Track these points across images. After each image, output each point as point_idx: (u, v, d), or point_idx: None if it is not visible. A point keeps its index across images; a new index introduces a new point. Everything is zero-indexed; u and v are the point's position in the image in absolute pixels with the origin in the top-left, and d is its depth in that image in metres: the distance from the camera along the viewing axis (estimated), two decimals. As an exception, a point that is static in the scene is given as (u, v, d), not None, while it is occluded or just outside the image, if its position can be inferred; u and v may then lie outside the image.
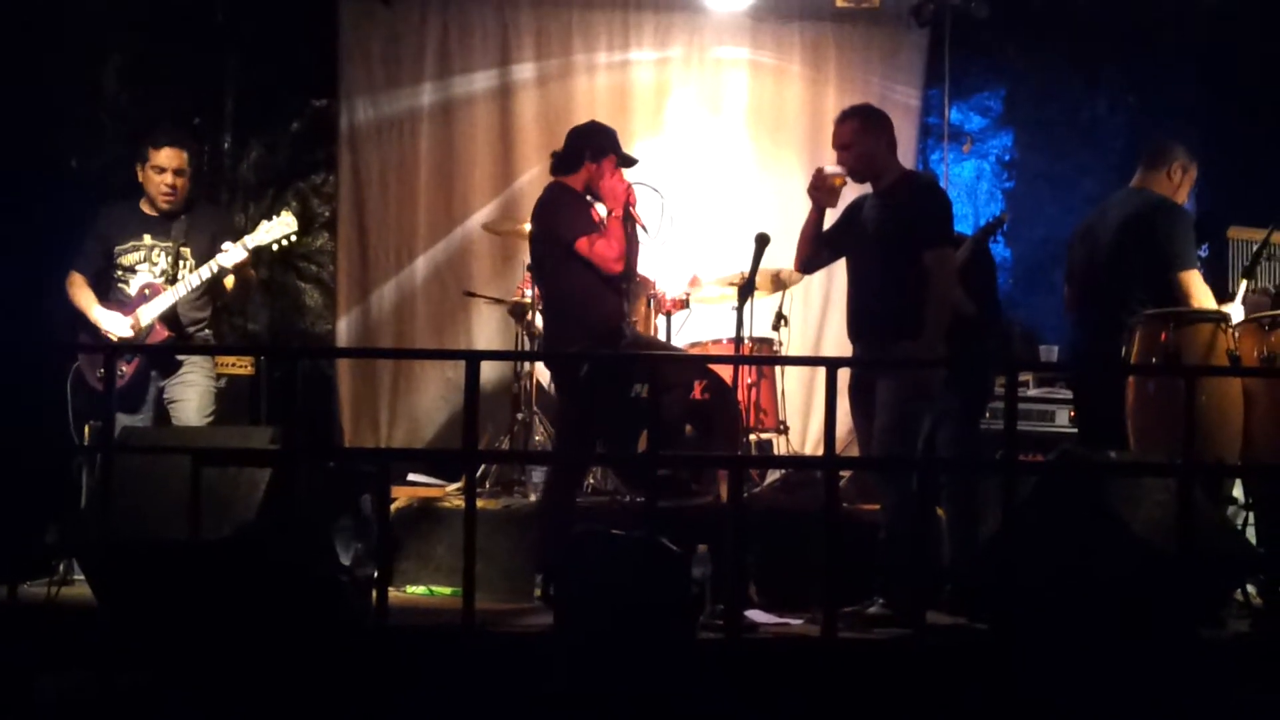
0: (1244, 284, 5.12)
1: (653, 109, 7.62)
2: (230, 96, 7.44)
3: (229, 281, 5.51)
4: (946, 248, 4.90)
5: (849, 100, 7.56)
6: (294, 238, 5.58)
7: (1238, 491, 4.91)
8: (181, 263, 5.49)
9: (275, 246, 5.54)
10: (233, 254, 5.37)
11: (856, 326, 5.03)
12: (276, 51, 7.40)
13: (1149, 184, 5.24)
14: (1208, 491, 4.41)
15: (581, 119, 5.81)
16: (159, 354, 5.47)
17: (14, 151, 5.99)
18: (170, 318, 5.44)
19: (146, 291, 5.43)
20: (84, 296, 5.44)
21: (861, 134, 4.99)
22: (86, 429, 5.36)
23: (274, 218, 5.55)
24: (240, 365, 6.30)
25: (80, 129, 6.63)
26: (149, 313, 5.39)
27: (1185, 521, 3.71)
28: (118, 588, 4.18)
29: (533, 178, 7.01)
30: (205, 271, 5.39)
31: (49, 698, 3.76)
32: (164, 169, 5.47)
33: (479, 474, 6.15)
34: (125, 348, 5.34)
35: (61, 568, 4.90)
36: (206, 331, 5.64)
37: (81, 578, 4.57)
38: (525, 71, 7.51)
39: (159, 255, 5.50)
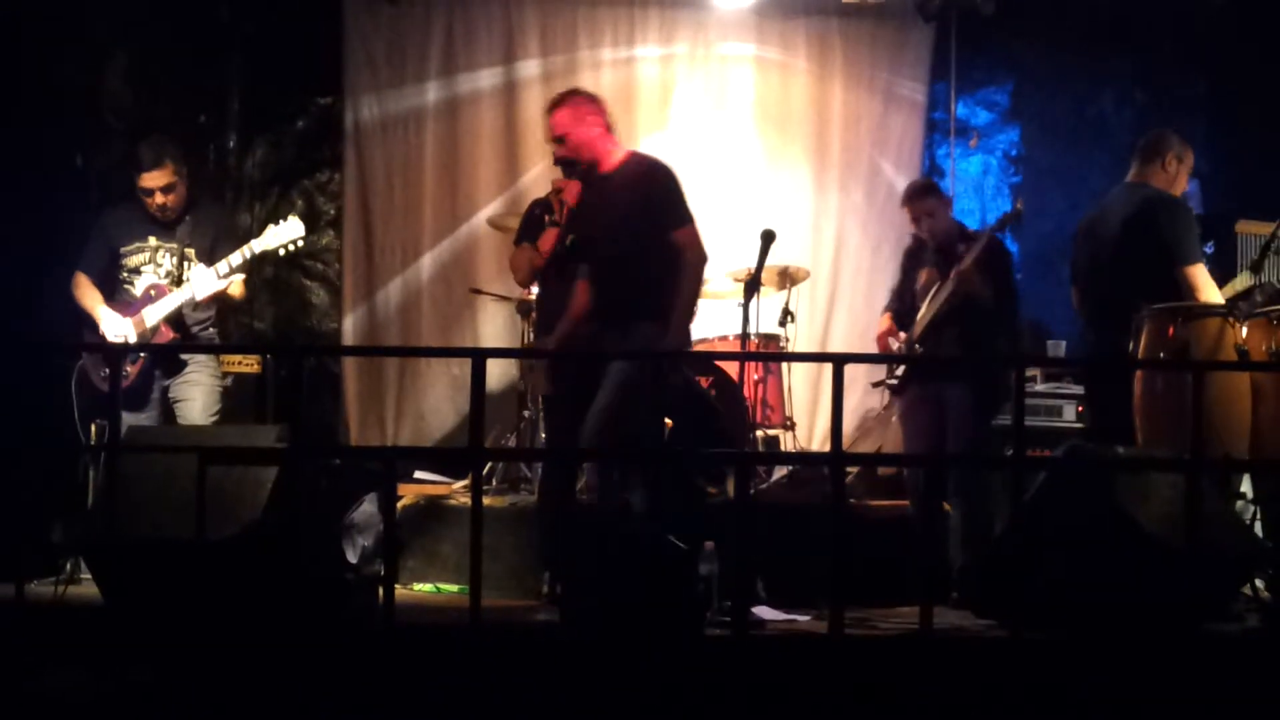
0: (1244, 275, 5.13)
1: (658, 105, 7.62)
2: (235, 95, 7.45)
3: (234, 289, 5.51)
4: (693, 225, 4.91)
5: (855, 96, 7.63)
6: (300, 243, 5.59)
7: (1246, 486, 4.89)
8: (186, 264, 5.51)
9: (282, 251, 5.56)
10: (205, 283, 5.38)
11: (597, 309, 4.95)
12: (281, 50, 7.41)
13: (1145, 177, 5.25)
14: (1216, 486, 4.40)
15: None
16: (164, 354, 5.48)
17: (18, 150, 5.99)
18: (175, 319, 5.45)
19: (152, 293, 5.44)
20: (89, 297, 5.46)
21: (574, 122, 4.96)
22: (93, 428, 5.37)
23: (280, 222, 5.57)
24: (246, 364, 6.31)
25: (85, 128, 6.63)
26: (154, 314, 5.40)
27: (1193, 516, 3.71)
28: (124, 586, 4.19)
29: (538, 175, 7.01)
30: (184, 294, 5.39)
31: (55, 696, 3.76)
32: (151, 190, 5.48)
33: (485, 471, 6.15)
34: (131, 347, 5.35)
35: (68, 566, 4.91)
36: (211, 330, 5.65)
37: (88, 576, 4.58)
38: (530, 68, 7.51)
39: (164, 256, 5.52)
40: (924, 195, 5.54)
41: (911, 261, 5.72)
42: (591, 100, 5.04)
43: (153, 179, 5.46)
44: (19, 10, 6.15)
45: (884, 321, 5.74)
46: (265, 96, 7.48)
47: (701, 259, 4.90)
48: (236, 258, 5.43)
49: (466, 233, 7.45)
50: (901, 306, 5.63)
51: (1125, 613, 4.00)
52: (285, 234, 5.52)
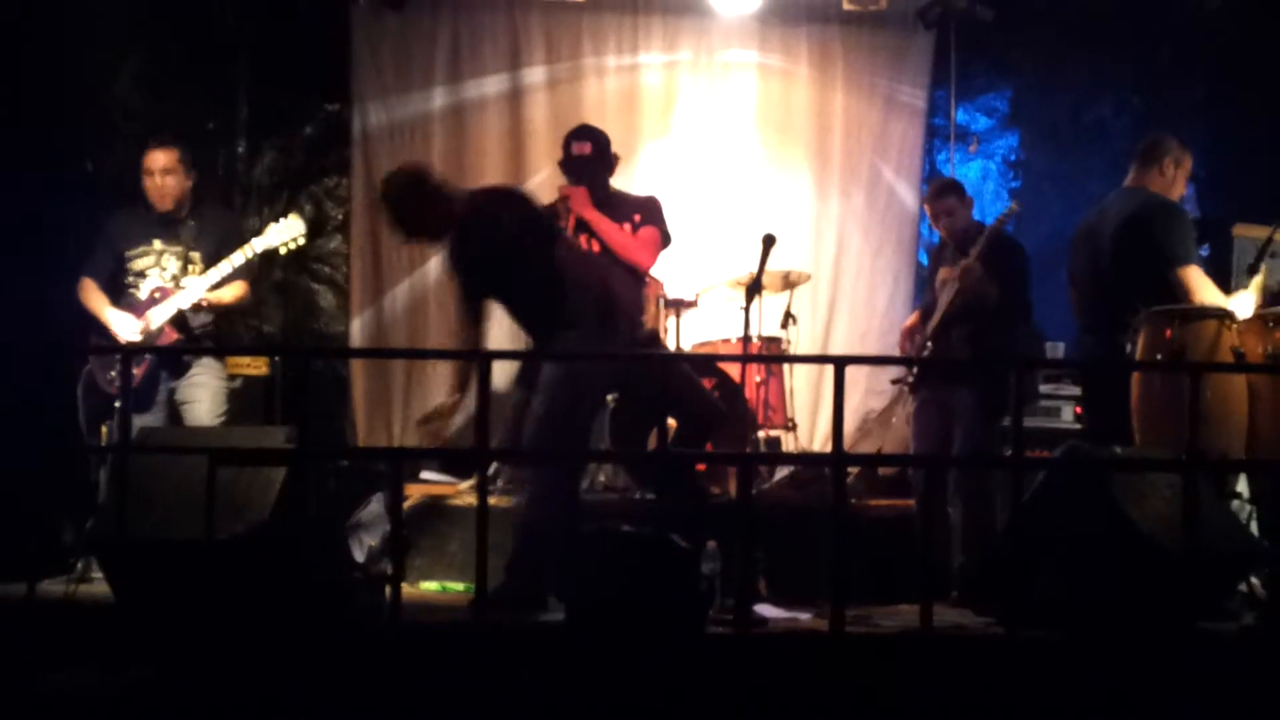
0: (1254, 280, 5.14)
1: (661, 111, 7.66)
2: (243, 101, 7.49)
3: (225, 295, 5.57)
4: (565, 239, 5.06)
5: (856, 102, 7.68)
6: (301, 240, 5.63)
7: (1242, 486, 4.93)
8: (190, 266, 5.55)
9: (283, 250, 5.61)
10: (192, 292, 5.45)
11: (526, 330, 5.06)
12: (289, 56, 7.45)
13: (1144, 182, 5.28)
14: (1212, 486, 4.44)
15: (591, 121, 5.86)
16: (171, 355, 5.53)
17: (29, 155, 6.04)
18: (179, 321, 5.50)
19: (156, 295, 5.48)
20: (96, 300, 5.51)
21: (414, 201, 4.89)
22: (103, 430, 5.42)
23: (281, 220, 5.62)
24: (255, 366, 6.35)
25: (94, 133, 6.68)
26: (158, 316, 5.45)
27: (1190, 516, 3.75)
28: (135, 586, 4.23)
29: (543, 180, 7.05)
30: (178, 300, 5.45)
31: (66, 694, 3.80)
32: (152, 171, 5.54)
33: (491, 472, 6.18)
34: (139, 349, 5.40)
35: (80, 566, 4.96)
36: (212, 328, 5.67)
37: (99, 576, 4.62)
38: (535, 75, 7.55)
39: (169, 259, 5.56)
40: (943, 194, 5.55)
41: (937, 259, 5.77)
42: (417, 171, 4.98)
43: (155, 158, 5.54)
44: (28, 15, 6.20)
45: (912, 317, 5.79)
46: (273, 102, 7.52)
47: (573, 273, 4.89)
48: (239, 257, 5.48)
49: (473, 237, 7.49)
50: (930, 303, 5.66)
51: (1123, 612, 4.03)
52: (286, 232, 5.57)
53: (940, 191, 5.60)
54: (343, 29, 7.45)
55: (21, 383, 5.18)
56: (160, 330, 5.46)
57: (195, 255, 5.56)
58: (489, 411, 3.72)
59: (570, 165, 5.29)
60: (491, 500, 4.94)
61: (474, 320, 4.86)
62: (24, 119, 6.09)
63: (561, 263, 4.85)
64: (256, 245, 5.50)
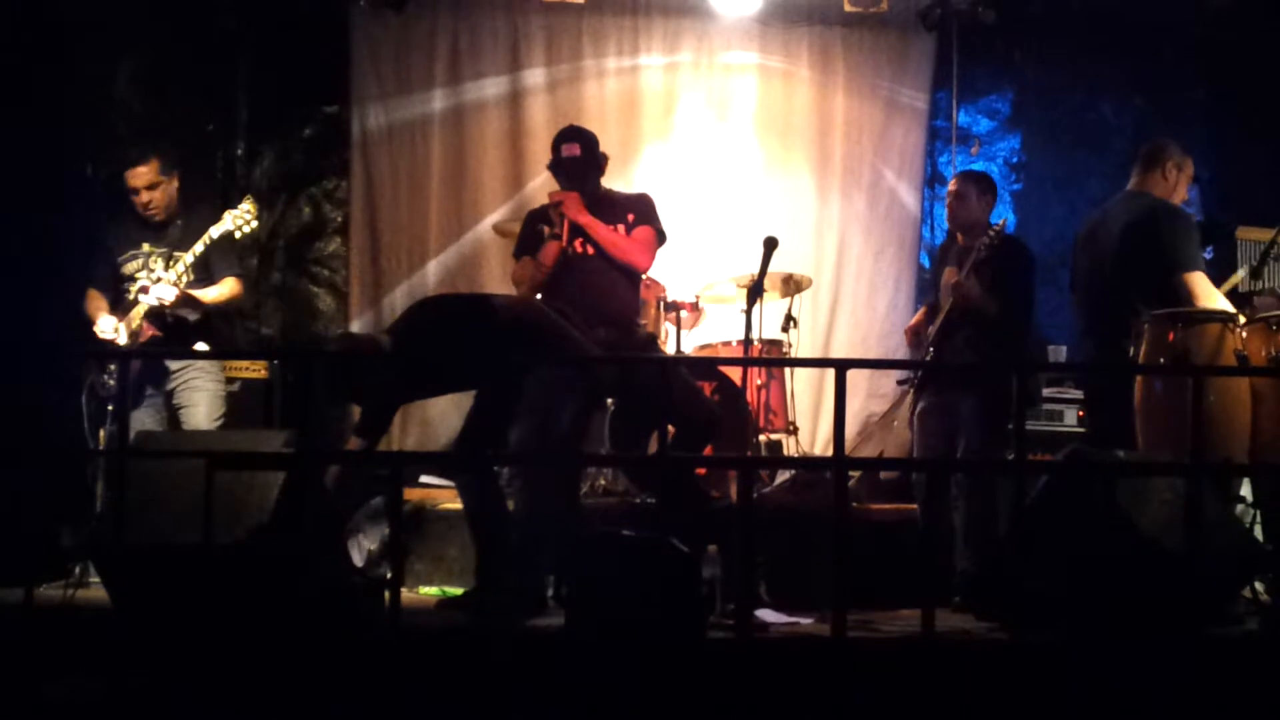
0: (1240, 274, 5.14)
1: (662, 113, 7.66)
2: (243, 103, 7.49)
3: (209, 293, 5.56)
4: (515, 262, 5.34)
5: (858, 104, 7.67)
6: (254, 222, 5.57)
7: (1245, 490, 4.92)
8: (176, 266, 5.54)
9: (238, 234, 5.58)
10: (161, 290, 5.44)
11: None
12: (288, 58, 7.45)
13: (1146, 186, 5.27)
14: (1216, 490, 4.42)
15: (591, 124, 5.85)
16: (157, 359, 5.52)
17: (29, 159, 6.03)
18: (155, 316, 5.49)
19: (141, 296, 5.49)
20: (94, 308, 5.54)
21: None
22: (101, 434, 5.41)
23: (238, 207, 5.59)
24: (254, 369, 6.34)
25: (95, 136, 6.67)
26: (138, 314, 5.46)
27: (1193, 520, 3.74)
28: (133, 591, 4.21)
29: (542, 182, 7.03)
30: (149, 300, 5.44)
31: (63, 699, 3.79)
32: (137, 189, 5.59)
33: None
34: (132, 353, 5.38)
35: (78, 570, 4.94)
36: (192, 318, 5.63)
37: (97, 580, 4.60)
38: (535, 77, 7.56)
39: (156, 261, 5.57)
40: (965, 179, 5.57)
41: (943, 259, 5.75)
42: (342, 345, 5.13)
43: (135, 176, 5.58)
44: (28, 18, 6.20)
45: (918, 315, 5.77)
46: (273, 105, 7.52)
47: (519, 321, 4.92)
48: (199, 246, 5.48)
49: (472, 239, 7.50)
50: (936, 301, 5.64)
51: (1126, 616, 4.02)
52: (240, 217, 5.55)
53: (965, 177, 5.61)
54: (342, 30, 7.46)
55: (20, 387, 5.18)
56: (139, 328, 5.45)
57: (180, 255, 5.55)
58: (492, 419, 3.71)
59: (560, 168, 5.27)
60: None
61: (383, 428, 4.86)
62: (27, 123, 6.09)
63: (505, 323, 4.77)
64: (213, 233, 5.50)
